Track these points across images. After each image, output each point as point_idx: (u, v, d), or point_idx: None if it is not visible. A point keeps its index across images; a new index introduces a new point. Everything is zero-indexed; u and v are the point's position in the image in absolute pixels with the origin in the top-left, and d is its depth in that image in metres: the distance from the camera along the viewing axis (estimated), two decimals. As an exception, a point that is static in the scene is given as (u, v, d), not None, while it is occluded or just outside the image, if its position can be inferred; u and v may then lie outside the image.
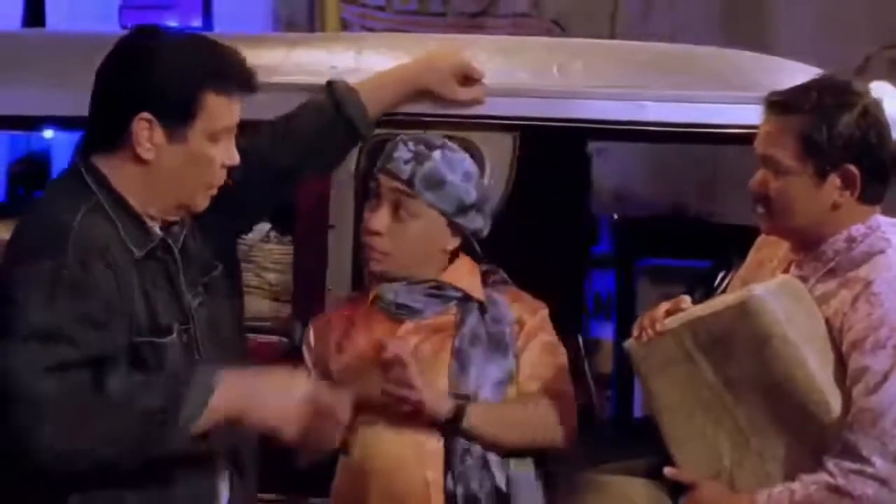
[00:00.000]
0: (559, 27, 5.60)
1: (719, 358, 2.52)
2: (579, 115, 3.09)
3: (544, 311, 2.90)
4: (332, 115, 2.90)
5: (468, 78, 3.05)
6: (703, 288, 3.57)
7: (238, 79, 2.44)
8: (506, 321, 2.82)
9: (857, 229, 2.53)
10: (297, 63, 3.13)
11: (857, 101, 2.50)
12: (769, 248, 2.73)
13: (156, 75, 2.38)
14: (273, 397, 2.38)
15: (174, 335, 2.43)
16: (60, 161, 6.02)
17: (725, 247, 3.71)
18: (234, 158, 2.47)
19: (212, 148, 2.43)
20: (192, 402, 2.28)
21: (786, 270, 2.63)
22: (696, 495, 2.58)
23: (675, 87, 3.05)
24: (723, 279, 3.66)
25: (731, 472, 2.56)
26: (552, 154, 3.61)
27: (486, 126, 3.08)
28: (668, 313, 2.61)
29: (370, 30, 5.81)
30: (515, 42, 3.68)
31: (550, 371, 2.83)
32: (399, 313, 2.82)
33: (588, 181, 4.27)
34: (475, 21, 5.75)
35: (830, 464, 2.42)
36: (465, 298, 2.83)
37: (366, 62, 3.18)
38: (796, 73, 2.95)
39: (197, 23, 6.69)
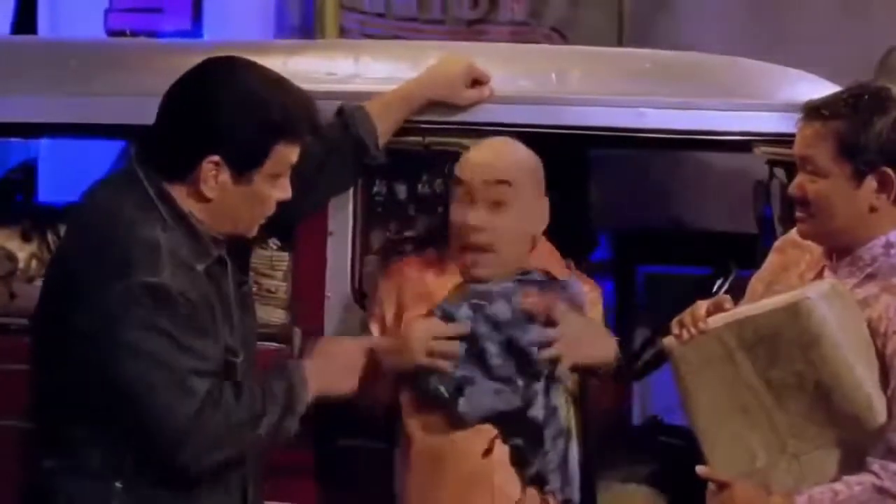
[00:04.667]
0: (559, 34, 5.59)
1: (763, 359, 2.53)
2: (578, 122, 3.09)
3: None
4: (341, 134, 2.95)
5: (475, 81, 3.07)
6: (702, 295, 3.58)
7: (307, 128, 2.51)
8: (582, 298, 2.97)
9: (895, 235, 2.56)
10: (295, 70, 3.12)
11: (892, 106, 2.54)
12: (794, 251, 2.74)
13: (231, 124, 2.40)
14: (344, 373, 2.67)
15: (242, 355, 2.50)
16: (50, 168, 5.99)
17: (724, 254, 3.71)
18: (288, 193, 2.53)
19: (272, 188, 2.48)
20: (300, 399, 2.51)
21: (818, 274, 2.64)
22: (729, 495, 2.57)
23: (677, 94, 3.05)
24: (721, 286, 3.66)
25: (765, 474, 2.56)
26: (551, 161, 3.61)
27: (485, 133, 3.08)
28: (709, 313, 2.62)
29: (370, 37, 5.80)
30: (514, 49, 3.68)
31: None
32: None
33: (587, 188, 4.28)
34: (474, 28, 5.75)
35: (876, 465, 2.45)
36: (548, 281, 2.92)
37: (364, 69, 3.18)
38: (800, 82, 2.97)
39: (186, 27, 6.65)
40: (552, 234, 3.05)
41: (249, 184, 2.44)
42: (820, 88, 3.06)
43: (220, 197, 2.44)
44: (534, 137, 3.08)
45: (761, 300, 2.62)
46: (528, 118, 3.09)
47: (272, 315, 3.22)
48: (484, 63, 3.10)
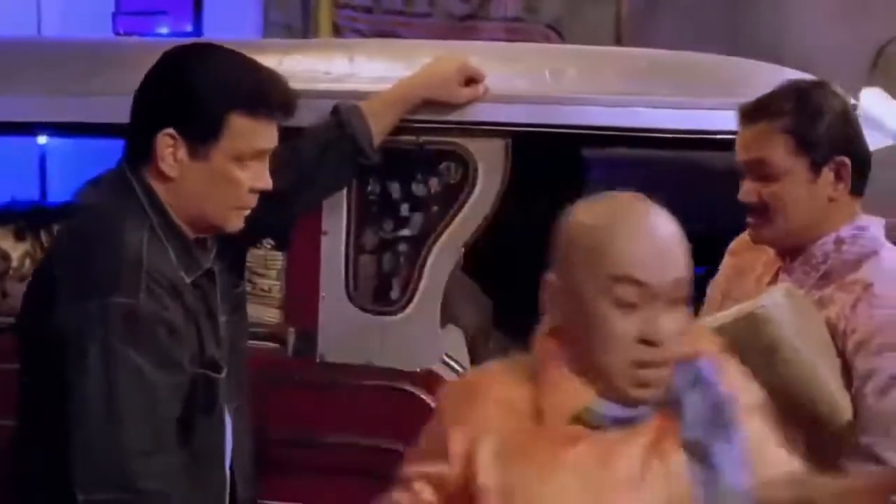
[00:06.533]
0: (556, 32, 5.59)
1: None
2: (572, 121, 3.08)
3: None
4: (337, 133, 2.92)
5: (469, 79, 3.05)
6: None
7: (270, 103, 2.38)
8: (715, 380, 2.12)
9: (845, 230, 2.56)
10: (291, 70, 3.12)
11: (834, 98, 2.57)
12: (749, 255, 2.73)
13: (182, 92, 2.34)
14: None
15: (225, 370, 2.44)
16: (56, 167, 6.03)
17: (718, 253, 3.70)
18: (265, 182, 2.41)
19: (237, 170, 2.37)
20: None
21: (774, 277, 2.64)
22: None
23: (674, 94, 3.04)
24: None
25: None
26: (545, 160, 3.61)
27: (479, 132, 3.08)
28: None
29: (359, 32, 5.80)
30: (509, 48, 3.68)
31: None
32: (613, 426, 2.04)
33: (582, 187, 4.28)
34: (465, 24, 5.74)
35: (851, 469, 2.43)
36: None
37: (359, 68, 3.18)
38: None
39: (188, 29, 6.70)
40: (547, 233, 3.03)
41: (208, 160, 2.35)
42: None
43: (181, 175, 2.35)
44: (529, 137, 3.08)
45: (719, 312, 2.59)
46: (522, 117, 3.08)
47: (266, 314, 3.22)
48: (478, 61, 3.09)
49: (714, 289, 2.80)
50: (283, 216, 2.86)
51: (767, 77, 3.07)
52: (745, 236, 2.74)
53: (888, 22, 5.15)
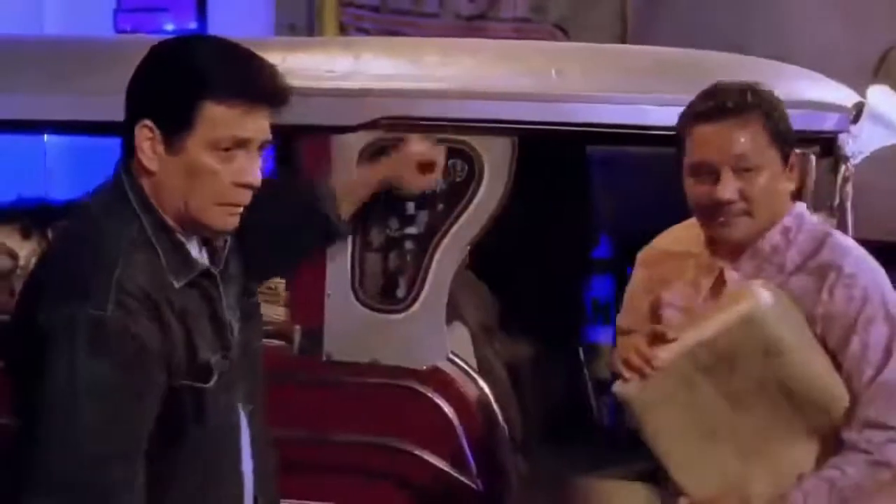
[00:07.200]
0: (562, 31, 5.58)
1: (723, 375, 2.50)
2: (578, 119, 3.08)
3: None
4: (312, 207, 2.87)
5: (427, 164, 3.04)
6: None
7: (248, 90, 2.24)
8: None
9: (787, 219, 2.59)
10: (294, 68, 3.12)
11: (777, 94, 2.59)
12: (670, 263, 2.73)
13: (158, 81, 2.26)
14: None
15: (215, 377, 2.33)
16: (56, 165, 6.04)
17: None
18: (252, 177, 2.26)
19: (215, 162, 2.23)
20: None
21: (719, 278, 2.62)
22: None
23: (678, 92, 3.03)
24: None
25: (742, 484, 2.54)
26: (551, 158, 3.61)
27: (485, 130, 3.08)
28: (650, 345, 2.56)
29: (365, 31, 5.81)
30: (514, 46, 3.67)
31: None
32: None
33: (587, 185, 4.28)
34: (472, 24, 5.74)
35: (863, 443, 2.46)
36: None
37: (364, 66, 3.18)
38: (801, 79, 2.95)
39: (192, 26, 6.70)
40: (554, 234, 3.04)
41: (184, 151, 2.23)
42: (821, 85, 3.06)
43: (161, 169, 2.25)
44: (535, 135, 3.08)
45: (698, 320, 2.56)
46: (529, 115, 3.08)
47: (272, 312, 3.22)
48: (485, 59, 3.10)
49: (636, 299, 2.79)
50: (285, 253, 2.81)
51: (770, 75, 3.09)
52: (656, 247, 2.76)
53: (892, 23, 5.15)
